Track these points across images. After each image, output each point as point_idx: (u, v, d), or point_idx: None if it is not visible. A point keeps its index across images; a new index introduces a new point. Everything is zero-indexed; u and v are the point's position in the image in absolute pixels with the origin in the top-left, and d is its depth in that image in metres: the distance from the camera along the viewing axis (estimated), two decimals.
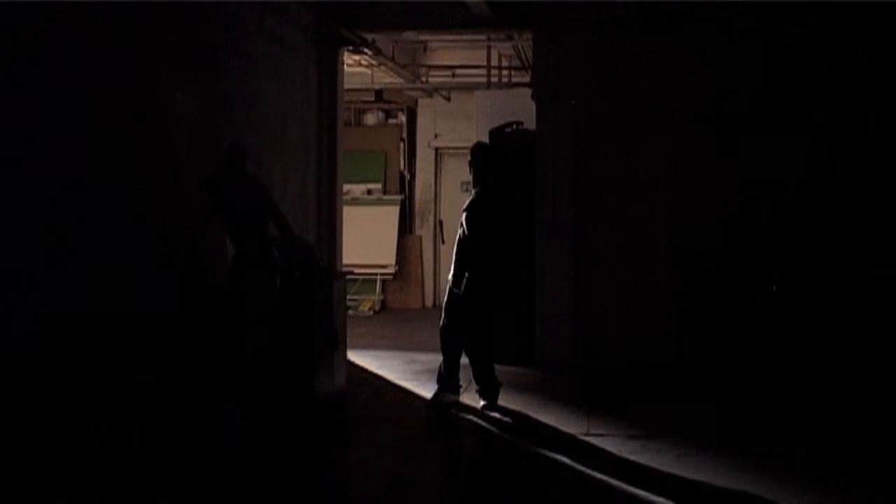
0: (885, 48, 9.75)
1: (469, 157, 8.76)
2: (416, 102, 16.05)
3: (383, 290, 15.60)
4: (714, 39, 10.16)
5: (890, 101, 9.77)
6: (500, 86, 14.09)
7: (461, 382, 8.74)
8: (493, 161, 8.76)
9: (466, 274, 8.42)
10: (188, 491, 6.28)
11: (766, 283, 9.97)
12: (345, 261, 11.73)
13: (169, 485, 6.31)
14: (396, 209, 15.72)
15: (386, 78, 14.24)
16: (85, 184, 6.31)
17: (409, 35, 12.74)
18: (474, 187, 8.65)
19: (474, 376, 8.60)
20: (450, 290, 8.60)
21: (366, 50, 11.80)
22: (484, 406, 8.49)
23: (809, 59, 9.96)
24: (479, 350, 8.58)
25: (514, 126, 11.23)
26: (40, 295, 5.82)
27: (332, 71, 11.21)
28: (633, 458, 7.12)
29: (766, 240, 10.03)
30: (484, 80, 14.10)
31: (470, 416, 8.39)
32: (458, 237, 8.59)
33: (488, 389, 8.54)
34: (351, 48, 11.55)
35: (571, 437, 7.70)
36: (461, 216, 8.60)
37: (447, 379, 8.63)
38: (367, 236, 14.89)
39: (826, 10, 9.65)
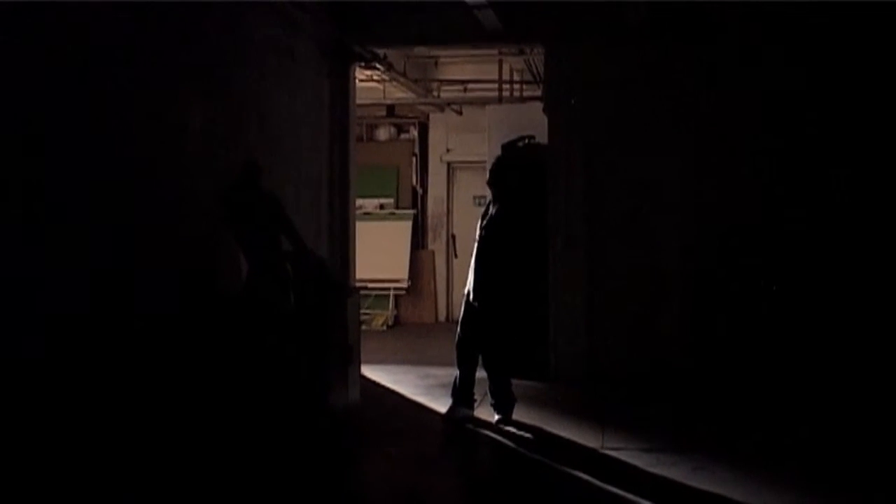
0: (892, 52, 9.72)
1: (488, 175, 8.75)
2: (427, 117, 16.08)
3: (396, 304, 15.61)
4: (727, 46, 10.14)
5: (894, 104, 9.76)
6: (511, 100, 14.10)
7: (476, 396, 8.71)
8: (512, 176, 8.72)
9: (482, 283, 8.39)
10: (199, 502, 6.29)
11: (781, 293, 9.95)
12: (358, 276, 11.74)
13: (179, 496, 6.31)
14: (409, 224, 15.73)
15: (398, 93, 14.27)
16: (99, 192, 6.33)
17: (421, 50, 12.77)
18: (494, 203, 8.60)
19: (491, 390, 8.56)
20: (466, 303, 8.58)
21: (377, 65, 11.84)
22: (499, 420, 8.46)
23: (821, 63, 9.94)
24: (496, 364, 8.56)
25: (527, 140, 11.21)
26: (47, 298, 5.83)
27: (343, 86, 11.23)
28: (648, 471, 7.09)
29: (783, 250, 10.00)
30: (496, 94, 14.12)
31: (484, 431, 8.37)
32: (475, 251, 8.57)
33: (504, 404, 8.51)
34: (363, 63, 11.58)
35: (586, 451, 7.67)
36: (478, 231, 8.56)
37: (462, 393, 8.60)
38: (379, 251, 14.88)
39: (840, 14, 9.61)
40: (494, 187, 8.63)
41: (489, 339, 8.53)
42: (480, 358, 8.60)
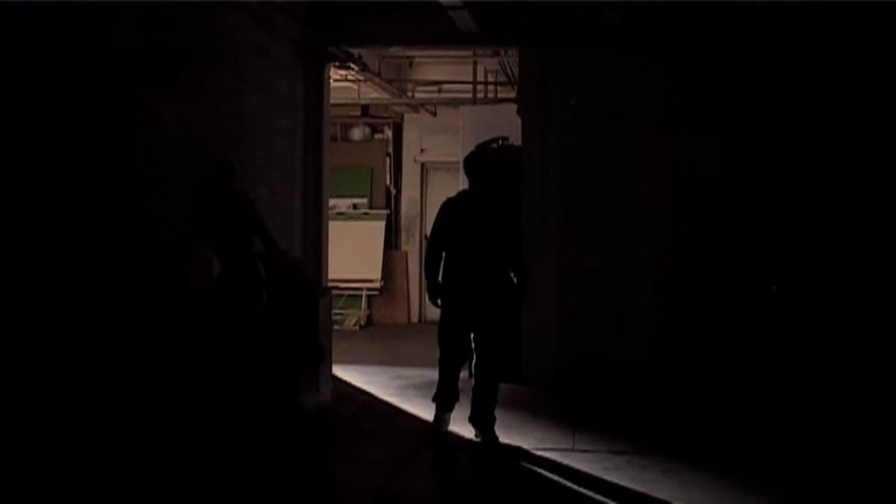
0: (878, 51, 9.76)
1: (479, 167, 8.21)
2: (402, 117, 16.08)
3: (369, 305, 15.60)
4: (702, 49, 10.16)
5: (886, 101, 9.79)
6: (486, 101, 14.14)
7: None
8: (480, 167, 8.19)
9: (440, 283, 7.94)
10: None
11: (752, 296, 9.98)
12: (330, 276, 11.71)
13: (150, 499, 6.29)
14: (382, 224, 15.73)
15: (372, 93, 14.28)
16: (69, 191, 6.29)
17: (396, 50, 12.77)
18: (477, 196, 8.09)
19: (478, 402, 8.02)
20: (461, 311, 7.94)
21: (352, 65, 11.82)
22: (488, 440, 8.00)
23: (799, 63, 9.97)
24: (501, 368, 8.14)
25: (501, 141, 11.25)
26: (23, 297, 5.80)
27: (318, 86, 11.21)
28: (618, 473, 7.10)
29: (753, 253, 10.05)
30: (470, 95, 14.16)
31: (456, 432, 8.35)
32: (473, 250, 7.92)
33: (490, 419, 8.04)
34: (337, 63, 11.56)
35: (558, 453, 7.68)
36: (458, 228, 8.00)
37: (449, 400, 8.14)
38: (353, 251, 14.86)
39: (817, 14, 9.65)
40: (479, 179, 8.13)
41: (499, 342, 8.05)
42: (478, 364, 8.13)
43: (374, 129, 16.19)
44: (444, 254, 7.96)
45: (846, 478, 7.13)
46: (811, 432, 8.39)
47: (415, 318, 15.78)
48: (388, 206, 15.96)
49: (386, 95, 14.45)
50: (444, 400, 8.14)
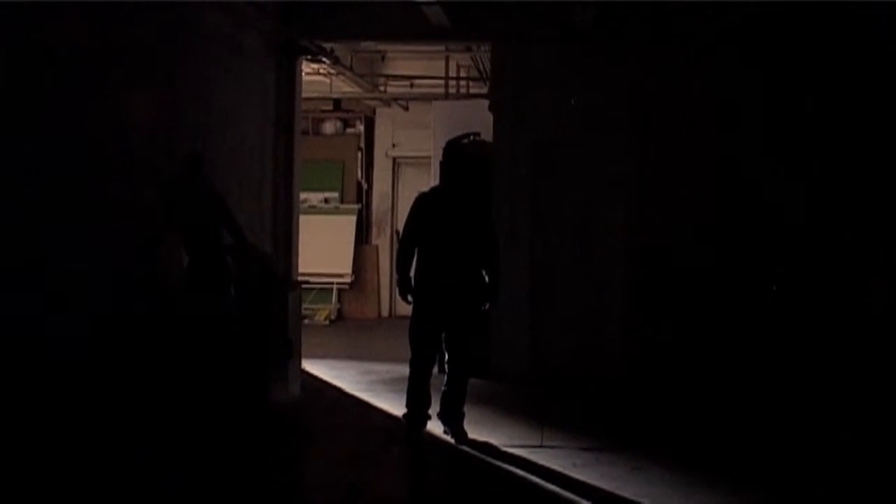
0: (858, 47, 9.81)
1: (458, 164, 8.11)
2: (374, 112, 16.08)
3: (339, 299, 15.59)
4: (676, 47, 10.20)
5: (865, 96, 9.84)
6: (458, 96, 14.16)
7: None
8: (458, 162, 8.10)
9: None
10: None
11: (724, 295, 10.03)
12: (301, 270, 11.68)
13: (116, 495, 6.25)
14: (353, 218, 15.72)
15: (344, 87, 14.25)
16: (35, 185, 6.25)
17: (368, 45, 12.74)
18: (452, 193, 7.95)
19: (449, 397, 7.94)
20: (438, 310, 7.80)
21: (324, 59, 11.80)
22: (459, 436, 7.91)
23: (774, 64, 10.01)
24: (472, 365, 8.08)
25: (472, 137, 11.23)
26: None
27: (290, 79, 11.16)
28: (586, 470, 7.10)
29: (723, 250, 10.09)
30: (442, 90, 14.16)
31: (426, 428, 8.35)
32: (452, 245, 7.81)
33: (460, 415, 7.99)
34: (309, 57, 11.53)
35: (527, 450, 7.68)
36: (435, 223, 7.84)
37: (423, 415, 7.96)
38: (323, 245, 14.83)
39: (794, 15, 9.68)
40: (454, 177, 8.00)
41: (470, 338, 7.94)
42: (449, 360, 7.96)
43: (346, 123, 16.18)
44: (416, 249, 7.89)
45: (807, 473, 7.18)
46: (781, 431, 8.44)
47: (385, 313, 15.78)
48: (359, 200, 15.95)
49: (358, 90, 14.44)
50: (417, 408, 7.93)
